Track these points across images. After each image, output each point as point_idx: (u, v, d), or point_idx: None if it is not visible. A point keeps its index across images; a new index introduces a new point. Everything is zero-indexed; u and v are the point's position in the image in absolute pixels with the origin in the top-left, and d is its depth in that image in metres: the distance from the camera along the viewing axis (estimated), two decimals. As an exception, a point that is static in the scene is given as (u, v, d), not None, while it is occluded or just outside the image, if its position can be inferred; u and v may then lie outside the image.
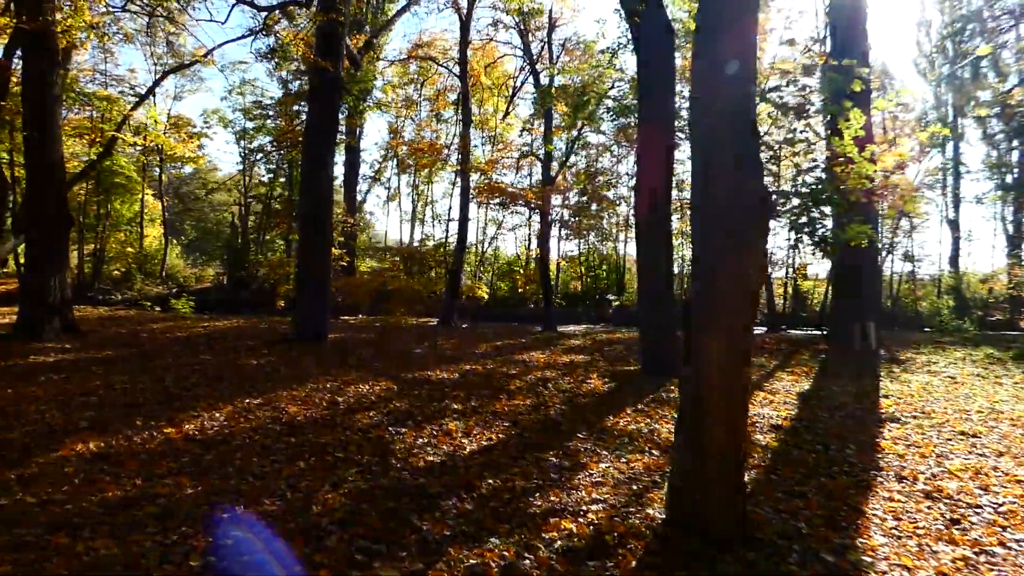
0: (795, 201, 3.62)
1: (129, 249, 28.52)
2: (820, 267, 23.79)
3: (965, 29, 28.29)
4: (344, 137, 23.60)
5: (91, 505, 3.64)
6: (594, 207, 21.29)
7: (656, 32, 8.31)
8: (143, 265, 28.09)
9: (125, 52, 38.79)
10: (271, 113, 27.93)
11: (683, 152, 17.18)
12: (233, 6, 13.23)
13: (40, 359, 7.93)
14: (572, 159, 23.18)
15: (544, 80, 20.42)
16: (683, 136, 16.12)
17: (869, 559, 3.39)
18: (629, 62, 16.45)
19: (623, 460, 4.93)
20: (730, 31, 3.23)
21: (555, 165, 21.46)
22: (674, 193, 11.00)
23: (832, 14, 11.96)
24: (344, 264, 22.53)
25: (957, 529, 3.82)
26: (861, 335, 11.00)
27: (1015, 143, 25.71)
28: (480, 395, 7.12)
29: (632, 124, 16.63)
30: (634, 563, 3.21)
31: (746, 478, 3.90)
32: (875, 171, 3.09)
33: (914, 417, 6.73)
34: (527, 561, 3.18)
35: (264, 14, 13.88)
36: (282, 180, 28.61)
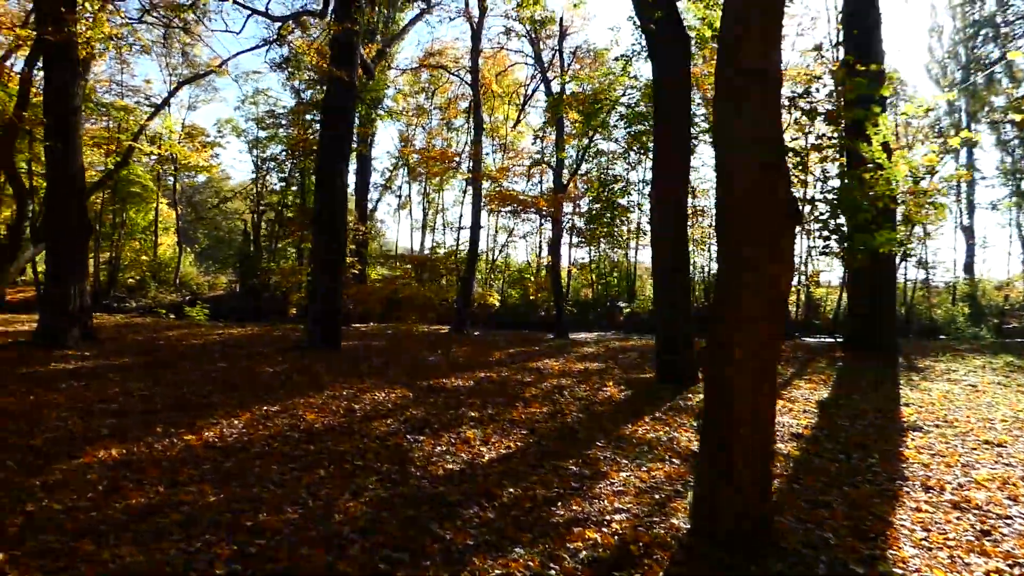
0: (821, 208, 3.57)
1: (144, 257, 28.86)
2: (832, 274, 23.60)
3: (978, 34, 28.13)
4: (356, 145, 23.78)
5: (115, 512, 3.66)
6: (608, 215, 21.26)
7: (671, 39, 8.32)
8: (157, 273, 28.40)
9: (141, 63, 39.38)
10: (284, 122, 28.23)
11: (696, 159, 17.18)
12: (248, 16, 13.40)
13: (60, 366, 8.02)
14: (584, 166, 23.20)
15: (555, 87, 20.50)
16: (697, 141, 16.10)
17: (900, 571, 3.32)
18: (643, 69, 16.52)
19: (644, 469, 4.88)
20: (755, 37, 3.22)
21: (566, 172, 21.48)
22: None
23: (846, 21, 11.92)
24: (355, 272, 22.66)
25: (988, 541, 3.74)
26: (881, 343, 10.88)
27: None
28: (496, 403, 7.10)
29: (646, 130, 16.61)
30: (661, 574, 3.17)
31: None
32: (904, 176, 3.06)
33: (936, 426, 6.63)
34: (552, 571, 3.15)
35: (278, 24, 14.05)
36: (294, 189, 28.85)
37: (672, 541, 3.54)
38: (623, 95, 17.66)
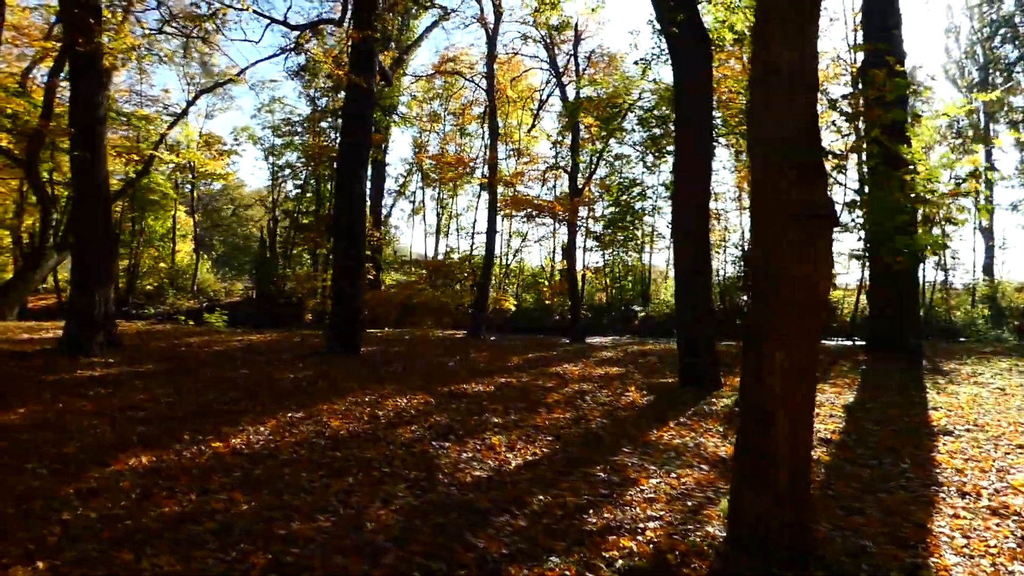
0: (859, 211, 3.54)
1: (162, 264, 29.25)
2: (850, 276, 23.32)
3: (996, 34, 27.76)
4: (371, 152, 23.95)
5: (149, 520, 3.68)
6: (627, 219, 21.22)
7: (693, 42, 8.29)
8: (175, 280, 28.78)
9: (159, 72, 40.01)
10: (299, 130, 28.52)
11: (716, 161, 17.07)
12: (267, 26, 13.56)
13: (87, 373, 8.12)
14: (601, 171, 23.18)
15: (570, 92, 20.51)
16: (715, 144, 15.97)
17: (944, 581, 3.26)
18: (662, 72, 16.49)
19: (673, 475, 4.83)
20: (790, 37, 3.18)
21: (580, 177, 21.44)
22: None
23: (866, 22, 11.80)
24: (370, 278, 22.78)
25: (1032, 549, 3.66)
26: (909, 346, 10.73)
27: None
28: (518, 408, 7.08)
29: (663, 134, 16.55)
30: (699, 584, 3.13)
31: (806, 495, 3.79)
32: (942, 178, 3.03)
33: (967, 430, 6.51)
34: (589, 580, 3.12)
35: (295, 33, 14.20)
36: (309, 195, 29.10)
37: (708, 549, 3.49)
38: (638, 99, 17.63)
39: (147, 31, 13.82)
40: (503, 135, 26.25)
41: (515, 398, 7.69)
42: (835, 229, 3.29)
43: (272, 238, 29.78)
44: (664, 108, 15.82)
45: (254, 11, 12.52)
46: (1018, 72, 26.18)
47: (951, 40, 31.02)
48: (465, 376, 9.33)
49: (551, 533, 3.69)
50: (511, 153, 28.29)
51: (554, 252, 30.72)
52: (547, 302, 25.94)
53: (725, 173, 24.13)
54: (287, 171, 30.23)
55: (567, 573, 3.17)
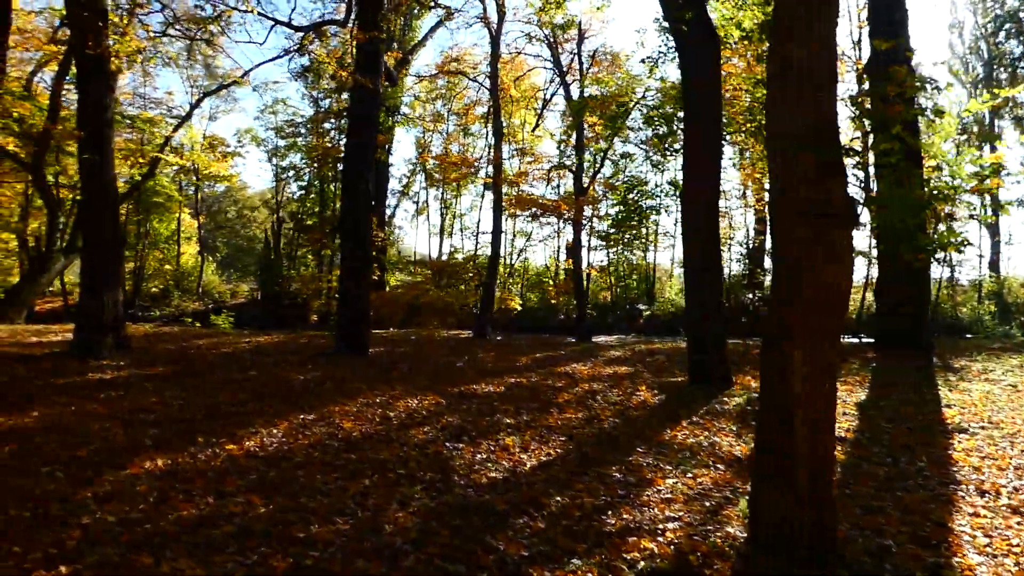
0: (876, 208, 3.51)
1: (167, 266, 29.31)
2: (855, 273, 23.22)
3: (1001, 29, 27.63)
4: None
5: (167, 524, 3.67)
6: (634, 219, 21.18)
7: (701, 40, 8.26)
8: (180, 282, 28.83)
9: (162, 75, 40.10)
10: (302, 131, 28.54)
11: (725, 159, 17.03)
12: (272, 28, 13.58)
13: (97, 376, 8.13)
14: (606, 170, 23.14)
15: (574, 91, 20.46)
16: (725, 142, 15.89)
17: (969, 581, 3.23)
18: (668, 71, 16.41)
19: (689, 475, 4.81)
20: (809, 31, 3.15)
21: (586, 176, 21.41)
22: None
23: (872, 18, 11.74)
24: (375, 278, 22.78)
25: (1055, 548, 3.63)
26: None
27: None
28: (530, 409, 7.07)
29: (669, 132, 16.52)
30: (722, 585, 3.11)
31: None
32: (967, 175, 3.00)
33: (982, 428, 6.47)
34: (612, 582, 3.10)
35: (299, 35, 14.19)
36: (312, 196, 29.11)
37: (730, 550, 3.47)
38: (642, 97, 17.58)
39: (151, 34, 13.83)
40: (507, 135, 26.24)
41: (526, 398, 7.68)
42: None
43: (276, 239, 29.81)
44: (670, 107, 15.77)
45: (259, 13, 12.51)
46: (1023, 68, 26.05)
47: (955, 36, 30.89)
48: (474, 376, 9.32)
49: (570, 534, 3.67)
50: (514, 153, 28.28)
51: (558, 251, 30.71)
52: (552, 301, 25.90)
53: (731, 170, 24.08)
54: (290, 172, 30.26)
55: (589, 575, 3.16)
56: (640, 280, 28.86)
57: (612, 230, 23.61)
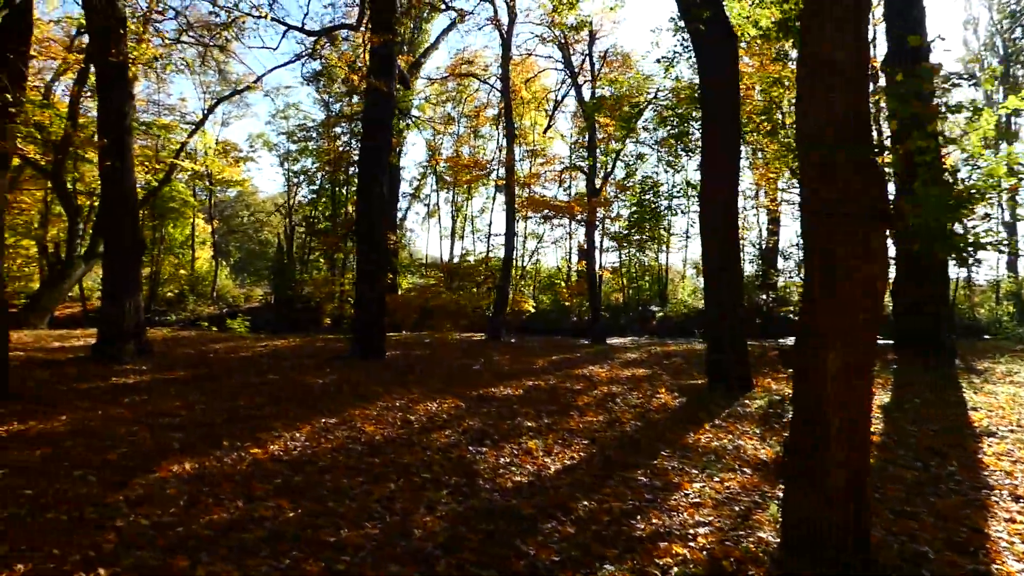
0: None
1: (182, 271, 29.56)
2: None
3: (1017, 25, 27.30)
4: (387, 155, 24.04)
5: (200, 528, 3.69)
6: (650, 220, 21.10)
7: (718, 39, 8.22)
8: (195, 286, 29.06)
9: (176, 81, 40.49)
10: (314, 135, 28.71)
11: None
12: (285, 33, 13.61)
13: (121, 380, 8.21)
14: (618, 171, 23.08)
15: (586, 92, 20.43)
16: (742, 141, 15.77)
17: (1010, 588, 3.18)
18: (683, 70, 16.30)
19: (716, 479, 4.78)
20: (840, 29, 3.12)
21: (598, 178, 21.38)
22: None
23: (889, 18, 11.62)
24: (388, 281, 22.85)
25: (1098, 554, 3.56)
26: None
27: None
28: (550, 412, 7.05)
29: (683, 132, 16.44)
30: (758, 591, 3.08)
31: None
32: (1005, 172, 2.95)
33: (1011, 431, 6.37)
34: (646, 588, 3.08)
35: (312, 40, 14.27)
36: (324, 200, 29.26)
37: (763, 556, 3.44)
38: (654, 96, 17.52)
39: (166, 40, 13.97)
40: (518, 136, 26.27)
41: (545, 401, 7.66)
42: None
43: (289, 243, 29.98)
44: (683, 107, 15.70)
45: (272, 18, 12.60)
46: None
47: (969, 32, 30.58)
48: (491, 379, 9.31)
49: (601, 540, 3.65)
50: (525, 155, 28.29)
51: (570, 253, 30.67)
52: (565, 303, 25.86)
53: (745, 171, 23.92)
54: (302, 177, 30.45)
55: (623, 581, 3.14)
56: (653, 281, 28.76)
57: (627, 231, 23.53)
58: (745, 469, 5.07)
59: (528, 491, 4.54)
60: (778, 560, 3.39)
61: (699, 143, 10.72)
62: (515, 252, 25.25)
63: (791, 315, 23.61)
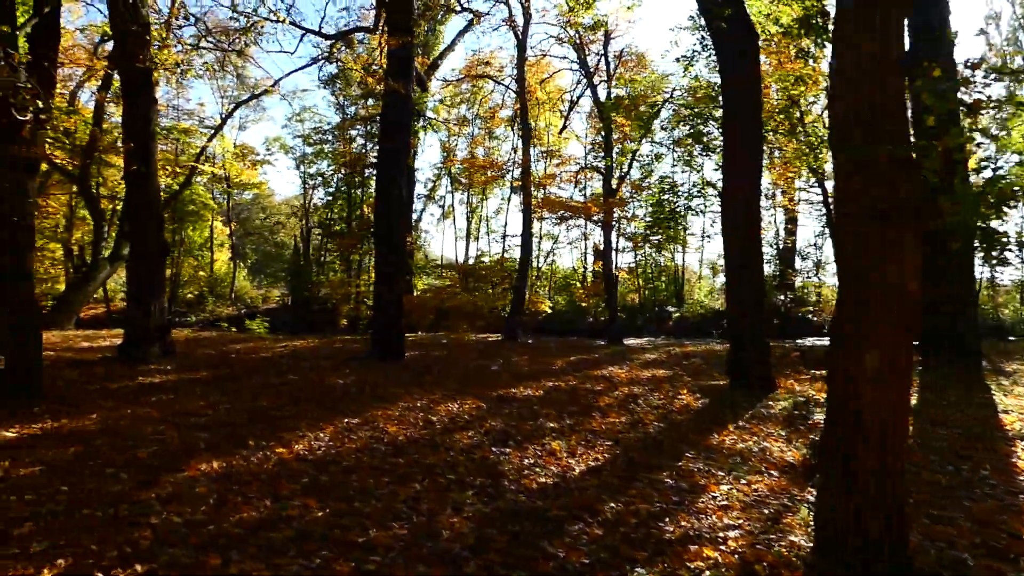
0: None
1: (201, 273, 29.95)
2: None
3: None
4: (403, 157, 24.15)
5: (230, 526, 3.72)
6: (670, 221, 21.00)
7: (739, 37, 8.16)
8: (214, 288, 29.43)
9: (195, 86, 41.05)
10: (329, 138, 28.94)
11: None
12: (302, 36, 13.77)
13: (147, 380, 8.33)
14: (635, 172, 22.99)
15: (601, 92, 20.35)
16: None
17: (1054, 595, 3.10)
18: (700, 69, 16.18)
19: (743, 482, 4.72)
20: (875, 17, 3.07)
21: (614, 179, 21.30)
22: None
23: (914, 11, 11.41)
24: (404, 282, 22.94)
25: None
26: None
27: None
28: (572, 413, 7.03)
29: (696, 131, 16.34)
30: (793, 595, 3.03)
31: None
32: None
33: (1045, 434, 6.23)
34: (679, 591, 3.05)
35: (329, 43, 14.38)
36: (340, 203, 29.49)
37: (796, 560, 3.39)
38: (670, 96, 17.41)
39: (186, 46, 14.16)
40: (532, 137, 26.27)
41: (566, 402, 7.64)
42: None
43: (306, 245, 30.24)
44: (701, 106, 15.59)
45: (290, 23, 12.71)
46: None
47: (992, 27, 29.99)
48: (510, 380, 9.31)
49: (630, 542, 3.63)
50: (540, 156, 28.27)
51: (585, 254, 30.58)
52: (582, 304, 25.80)
53: (763, 170, 23.73)
54: (318, 179, 30.70)
55: (655, 583, 3.11)
56: (669, 282, 28.60)
57: (647, 231, 23.42)
58: (772, 472, 5.01)
59: (553, 492, 4.52)
60: (811, 564, 3.34)
61: (717, 142, 10.64)
62: (531, 253, 25.26)
63: (809, 315, 23.37)
